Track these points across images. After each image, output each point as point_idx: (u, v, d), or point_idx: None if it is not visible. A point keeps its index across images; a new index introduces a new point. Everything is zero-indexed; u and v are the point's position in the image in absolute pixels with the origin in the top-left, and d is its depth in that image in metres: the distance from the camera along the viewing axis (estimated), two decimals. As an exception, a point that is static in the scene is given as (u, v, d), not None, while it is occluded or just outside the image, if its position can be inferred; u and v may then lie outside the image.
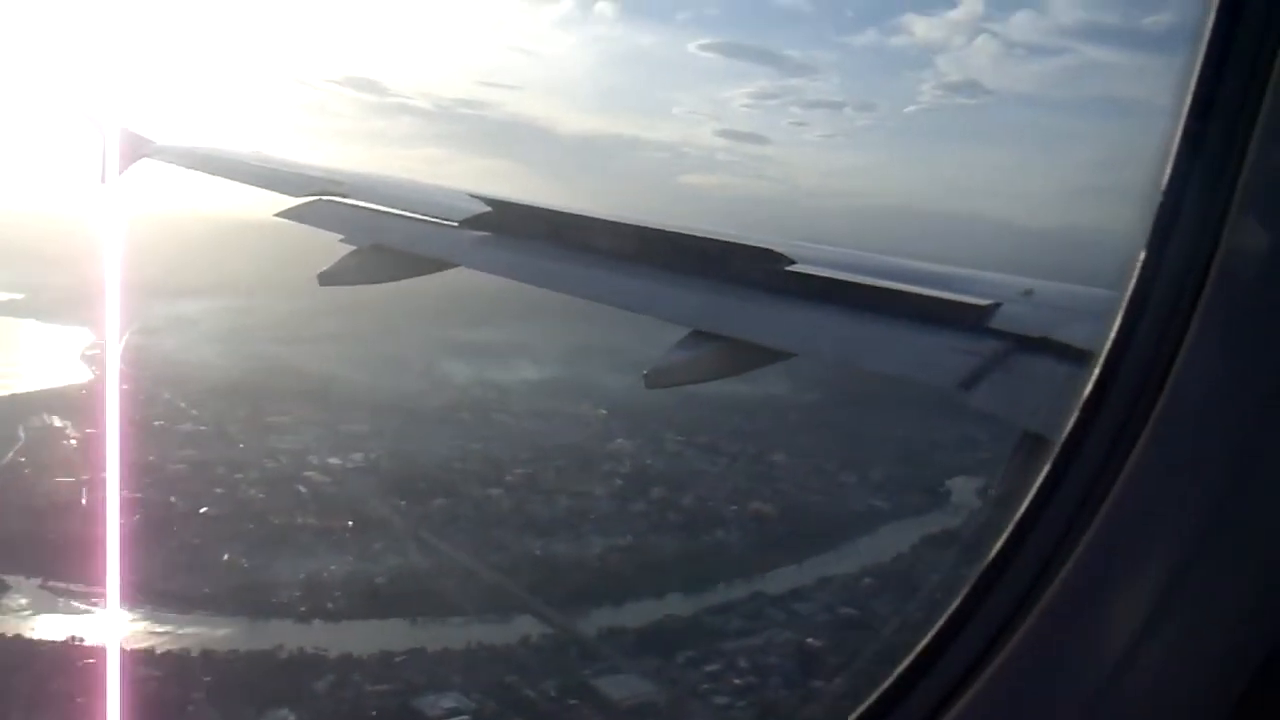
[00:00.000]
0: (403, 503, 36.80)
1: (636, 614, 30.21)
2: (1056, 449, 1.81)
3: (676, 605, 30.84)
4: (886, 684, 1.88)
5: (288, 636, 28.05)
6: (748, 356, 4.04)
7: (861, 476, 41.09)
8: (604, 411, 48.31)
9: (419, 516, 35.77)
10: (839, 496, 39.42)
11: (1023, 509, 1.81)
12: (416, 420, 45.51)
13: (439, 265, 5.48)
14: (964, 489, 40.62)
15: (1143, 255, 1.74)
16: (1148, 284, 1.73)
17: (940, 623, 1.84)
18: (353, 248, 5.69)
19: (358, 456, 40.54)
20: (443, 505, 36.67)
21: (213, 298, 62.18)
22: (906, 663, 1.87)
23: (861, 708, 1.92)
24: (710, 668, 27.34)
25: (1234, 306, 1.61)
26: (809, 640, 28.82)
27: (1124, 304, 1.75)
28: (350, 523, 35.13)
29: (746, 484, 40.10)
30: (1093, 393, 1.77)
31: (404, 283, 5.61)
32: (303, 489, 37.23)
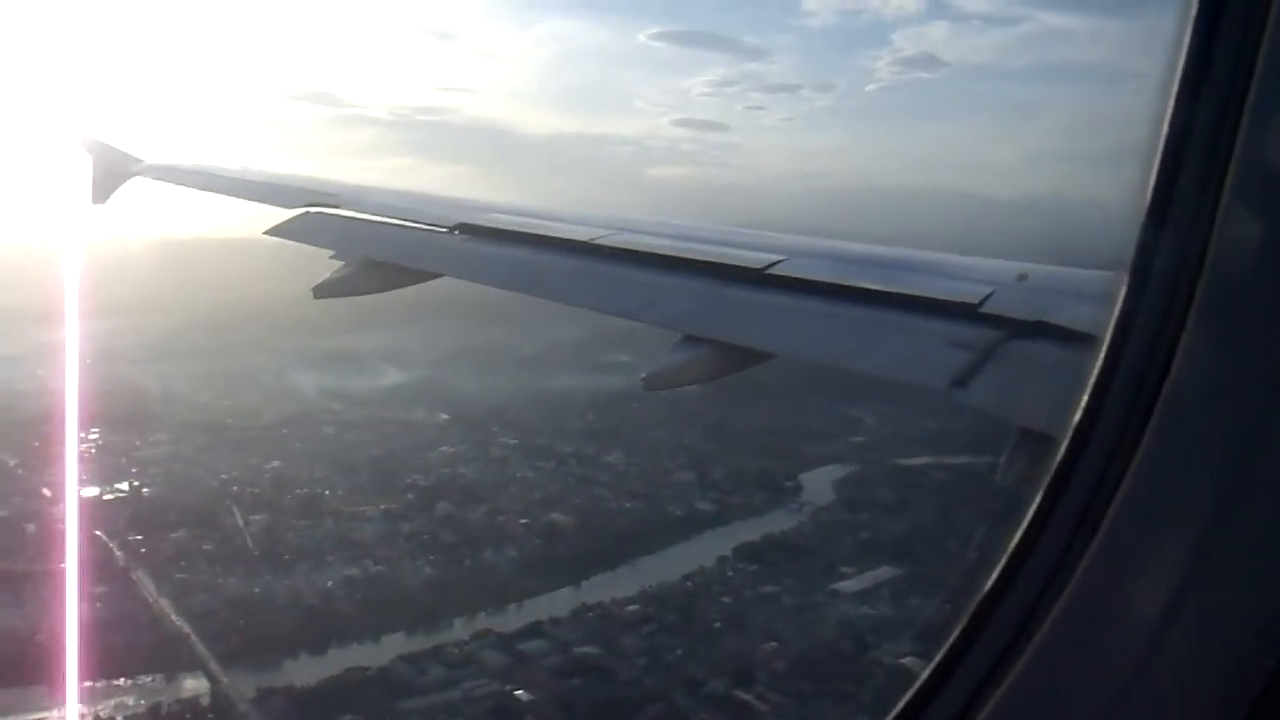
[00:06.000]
0: (138, 538, 31.64)
1: (326, 665, 24.35)
2: (1062, 449, 1.78)
3: (383, 651, 24.94)
4: (908, 696, 1.85)
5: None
6: (738, 358, 4.01)
7: (702, 475, 34.62)
8: (445, 417, 42.85)
9: (143, 554, 30.52)
10: (662, 501, 33.03)
11: (1031, 510, 1.78)
12: (228, 438, 40.75)
13: (429, 275, 5.43)
14: (820, 482, 33.94)
15: (1135, 249, 1.71)
16: (1143, 277, 1.70)
17: (956, 630, 1.82)
18: (342, 261, 5.58)
19: (122, 486, 35.65)
20: (180, 539, 31.40)
21: (112, 319, 58.47)
22: (925, 675, 1.85)
23: None
24: (368, 736, 21.33)
25: (1231, 295, 1.59)
26: (517, 693, 22.58)
27: (1120, 298, 1.73)
28: (62, 565, 29.97)
29: (560, 491, 33.97)
30: (1094, 390, 1.75)
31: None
32: (31, 527, 32.32)
